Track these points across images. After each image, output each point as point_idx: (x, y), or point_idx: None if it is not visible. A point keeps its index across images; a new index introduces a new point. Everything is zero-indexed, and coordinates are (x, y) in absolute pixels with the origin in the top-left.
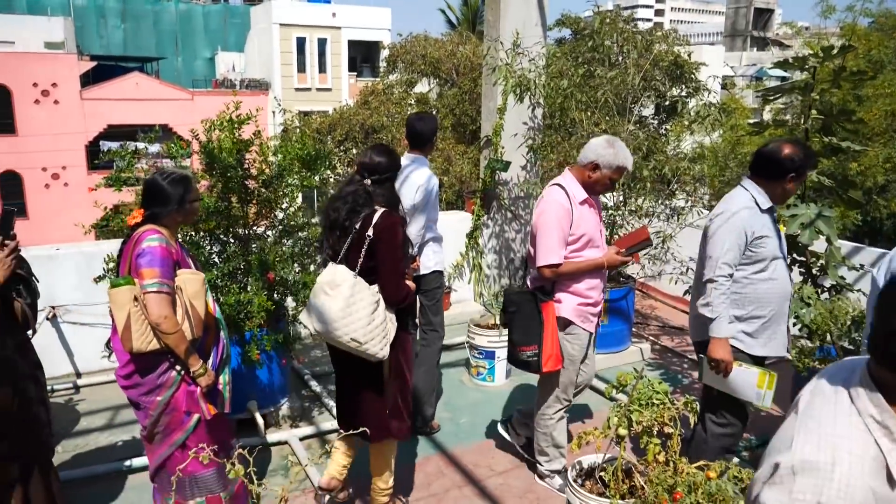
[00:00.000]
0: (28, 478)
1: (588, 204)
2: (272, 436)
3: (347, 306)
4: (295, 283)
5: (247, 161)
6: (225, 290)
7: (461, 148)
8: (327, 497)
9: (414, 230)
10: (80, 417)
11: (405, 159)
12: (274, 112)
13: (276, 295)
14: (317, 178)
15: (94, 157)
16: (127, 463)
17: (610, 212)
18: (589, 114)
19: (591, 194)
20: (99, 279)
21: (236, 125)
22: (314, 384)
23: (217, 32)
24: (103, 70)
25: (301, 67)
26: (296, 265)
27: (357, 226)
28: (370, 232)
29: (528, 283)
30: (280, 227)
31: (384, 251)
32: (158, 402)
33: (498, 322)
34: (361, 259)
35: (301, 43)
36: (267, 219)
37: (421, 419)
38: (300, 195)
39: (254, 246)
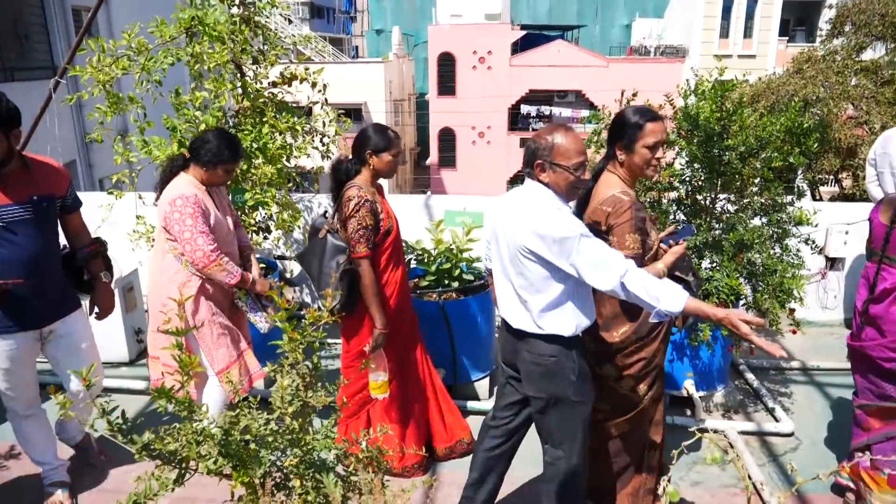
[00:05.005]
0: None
1: None
2: (709, 422)
3: None
4: (765, 267)
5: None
6: None
7: None
8: None
9: None
10: None
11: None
12: (688, 81)
13: (740, 277)
14: (802, 155)
15: (514, 119)
16: None
17: None
18: None
19: None
20: None
21: (720, 92)
22: (751, 377)
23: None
24: (529, 39)
25: (724, 32)
26: (773, 249)
27: None
28: None
29: None
30: (753, 204)
31: None
32: None
33: None
34: None
35: (727, 6)
36: (734, 193)
37: None
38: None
39: (715, 222)
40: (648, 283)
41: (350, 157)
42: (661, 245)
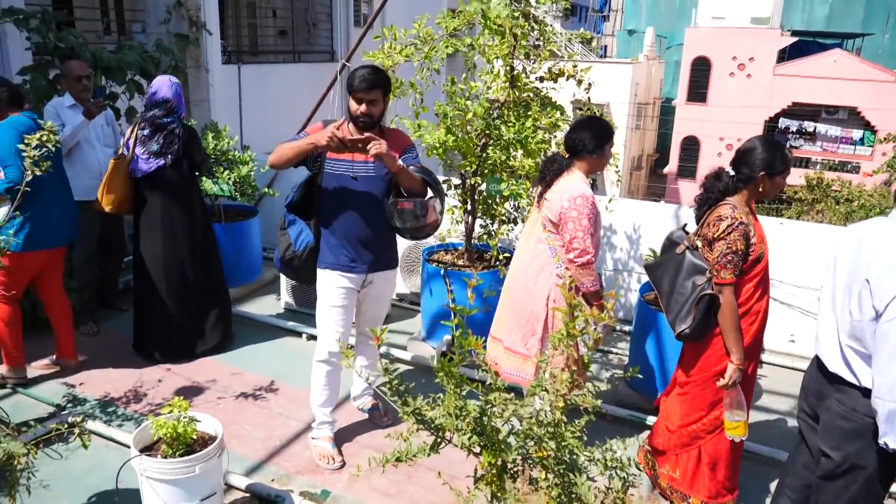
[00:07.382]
0: None
1: None
2: None
3: None
4: None
5: None
6: None
7: None
8: None
9: None
10: (763, 393)
11: None
12: None
13: None
14: None
15: (770, 133)
16: None
17: None
18: None
19: None
20: None
21: None
22: None
23: None
24: (800, 46)
25: None
26: None
27: None
28: None
29: None
30: None
31: None
32: None
33: None
34: None
35: None
36: None
37: None
38: None
39: None
40: None
41: (730, 171)
42: None
